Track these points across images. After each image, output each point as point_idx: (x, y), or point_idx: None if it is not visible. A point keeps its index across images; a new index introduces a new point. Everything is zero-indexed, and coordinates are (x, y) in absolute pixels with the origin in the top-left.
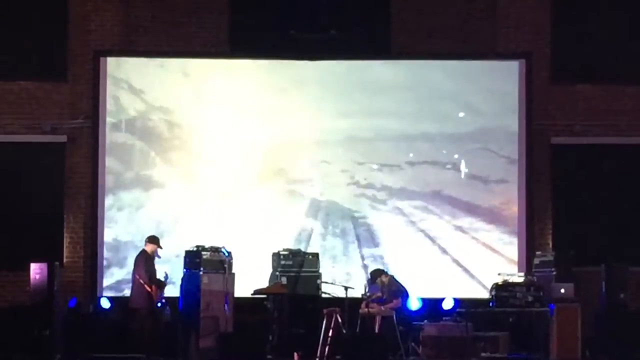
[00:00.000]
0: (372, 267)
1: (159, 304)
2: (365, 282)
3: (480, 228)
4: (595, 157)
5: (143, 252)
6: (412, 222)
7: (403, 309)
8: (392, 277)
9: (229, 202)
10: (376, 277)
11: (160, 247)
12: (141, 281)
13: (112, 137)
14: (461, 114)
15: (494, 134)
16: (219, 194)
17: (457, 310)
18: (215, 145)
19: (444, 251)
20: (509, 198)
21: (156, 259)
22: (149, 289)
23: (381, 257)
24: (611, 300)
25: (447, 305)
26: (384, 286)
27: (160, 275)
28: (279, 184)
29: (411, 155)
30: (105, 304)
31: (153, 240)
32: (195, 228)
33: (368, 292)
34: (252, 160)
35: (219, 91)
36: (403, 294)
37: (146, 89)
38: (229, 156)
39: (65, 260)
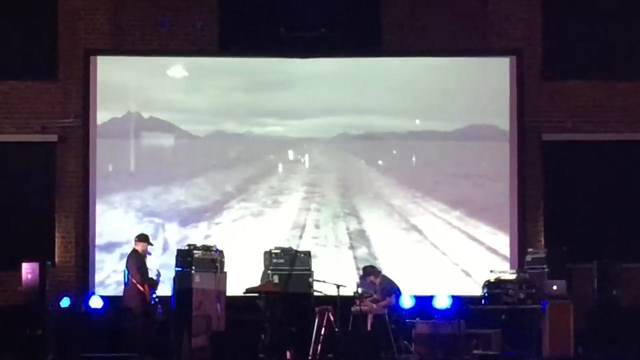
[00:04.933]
0: (363, 265)
1: (152, 302)
2: (357, 279)
3: (472, 225)
4: (587, 153)
5: (134, 251)
6: (404, 219)
7: (395, 307)
8: (384, 274)
9: (221, 200)
10: (368, 273)
11: (151, 245)
12: (133, 280)
13: (102, 136)
14: (452, 111)
15: (485, 131)
16: (211, 192)
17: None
18: (206, 144)
19: (436, 248)
20: (501, 195)
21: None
22: (141, 288)
23: (373, 255)
24: (603, 296)
25: (441, 303)
26: (377, 284)
27: (152, 274)
28: (270, 181)
29: (402, 152)
30: (96, 302)
31: (143, 238)
32: (186, 226)
33: (360, 289)
34: (244, 158)
35: (210, 89)
36: (396, 291)
37: (136, 88)
38: (220, 154)
39: (57, 259)
